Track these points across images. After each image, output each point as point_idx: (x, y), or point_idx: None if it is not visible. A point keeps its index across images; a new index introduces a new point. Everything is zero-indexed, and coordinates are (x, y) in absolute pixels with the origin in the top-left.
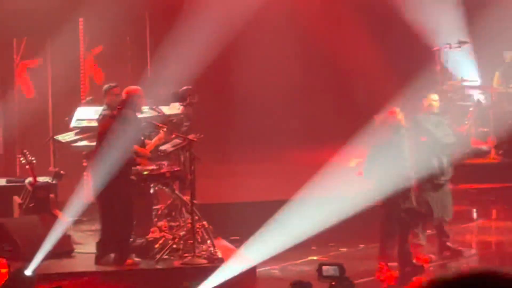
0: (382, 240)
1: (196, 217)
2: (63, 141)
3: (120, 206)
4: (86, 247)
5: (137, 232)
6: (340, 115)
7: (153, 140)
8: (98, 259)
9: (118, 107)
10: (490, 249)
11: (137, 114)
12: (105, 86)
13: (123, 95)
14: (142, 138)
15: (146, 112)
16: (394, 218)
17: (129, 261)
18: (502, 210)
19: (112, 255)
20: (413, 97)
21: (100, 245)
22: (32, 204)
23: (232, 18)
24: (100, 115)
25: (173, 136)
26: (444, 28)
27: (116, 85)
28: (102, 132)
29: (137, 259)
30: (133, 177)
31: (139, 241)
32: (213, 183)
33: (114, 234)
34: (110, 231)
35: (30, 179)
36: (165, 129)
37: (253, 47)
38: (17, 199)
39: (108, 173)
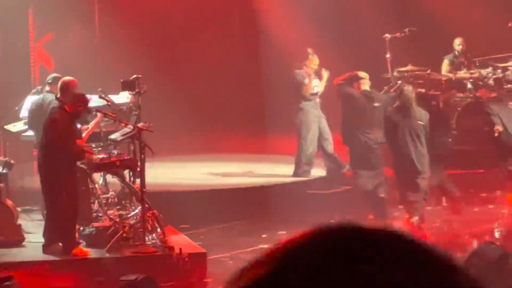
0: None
1: (146, 206)
2: (13, 130)
3: (66, 196)
4: (37, 236)
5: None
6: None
7: (90, 126)
8: (45, 248)
9: (69, 101)
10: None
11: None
12: (51, 76)
13: (65, 87)
14: (79, 125)
15: (95, 101)
16: None
17: (77, 250)
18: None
19: (60, 244)
20: None
21: (47, 234)
22: None
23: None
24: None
25: (123, 125)
26: (394, 16)
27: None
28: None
29: (86, 249)
30: (82, 165)
31: (89, 230)
32: (164, 171)
33: (60, 224)
34: (56, 220)
35: None
36: (114, 118)
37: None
38: None
39: (54, 163)
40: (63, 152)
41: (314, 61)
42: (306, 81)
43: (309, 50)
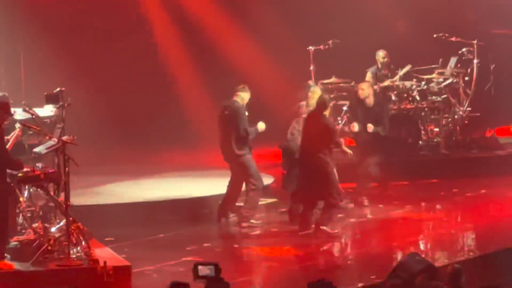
0: None
1: (71, 219)
2: None
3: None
4: None
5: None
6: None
7: (11, 138)
8: None
9: None
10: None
11: None
12: None
13: None
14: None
15: (20, 114)
16: None
17: (1, 263)
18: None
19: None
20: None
21: None
22: None
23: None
24: None
25: (47, 138)
26: (318, 28)
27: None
28: None
29: (10, 262)
30: (7, 179)
31: (14, 243)
32: (88, 184)
33: None
34: None
35: None
36: (39, 131)
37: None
38: None
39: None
40: (9, 163)
41: (316, 92)
42: None
43: (311, 83)
